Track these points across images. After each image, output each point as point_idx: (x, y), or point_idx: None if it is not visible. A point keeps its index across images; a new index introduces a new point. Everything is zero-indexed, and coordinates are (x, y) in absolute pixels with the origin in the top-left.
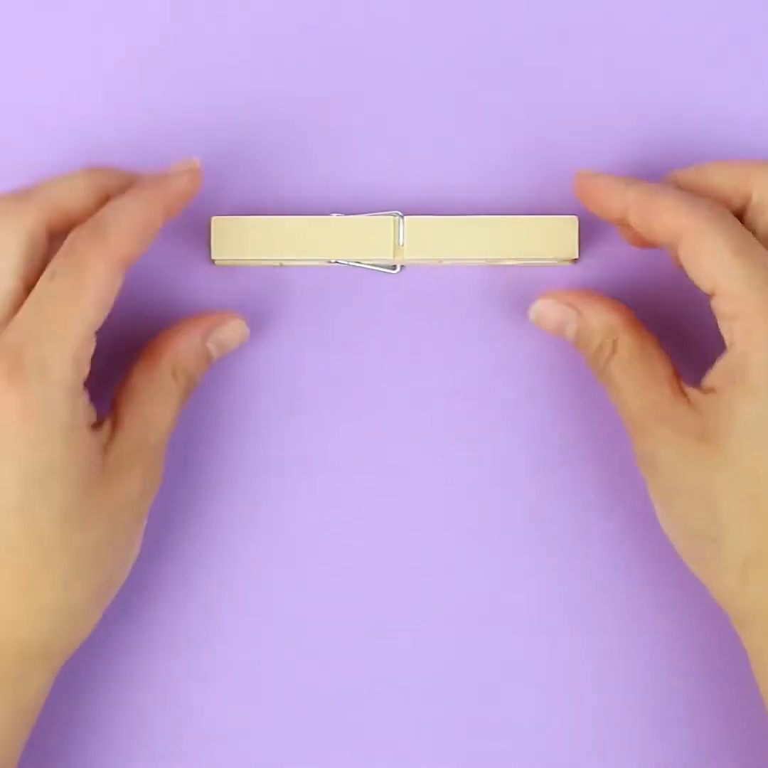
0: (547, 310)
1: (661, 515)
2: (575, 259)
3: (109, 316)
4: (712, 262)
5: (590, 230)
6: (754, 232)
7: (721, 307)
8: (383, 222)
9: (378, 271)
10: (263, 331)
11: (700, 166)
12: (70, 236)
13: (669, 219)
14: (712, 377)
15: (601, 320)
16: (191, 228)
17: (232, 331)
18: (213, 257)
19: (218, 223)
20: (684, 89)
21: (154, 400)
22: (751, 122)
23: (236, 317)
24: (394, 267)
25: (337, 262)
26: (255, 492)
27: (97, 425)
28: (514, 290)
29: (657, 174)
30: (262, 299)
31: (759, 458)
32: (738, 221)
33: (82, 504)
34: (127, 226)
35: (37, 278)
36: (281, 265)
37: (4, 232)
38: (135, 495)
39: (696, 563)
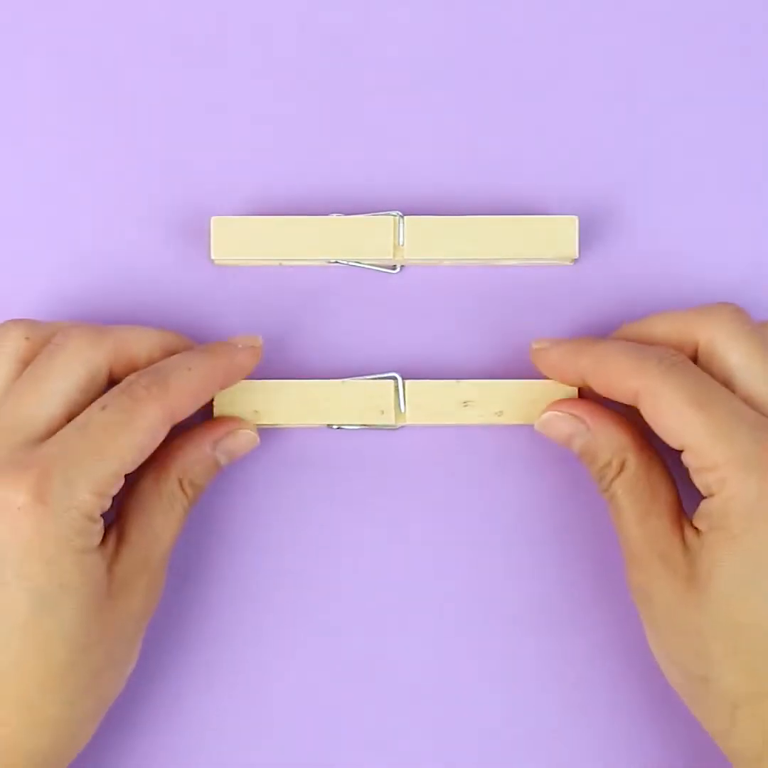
0: (555, 421)
1: (652, 645)
2: (575, 259)
3: (109, 316)
4: (673, 420)
5: (590, 230)
6: None
7: (691, 461)
8: (383, 222)
9: (378, 271)
10: (263, 332)
11: (645, 320)
12: (132, 376)
13: (623, 383)
14: (697, 518)
15: (611, 438)
16: (191, 228)
17: (243, 439)
18: (213, 257)
19: (218, 223)
20: (685, 88)
21: (162, 512)
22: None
23: (247, 426)
24: (394, 267)
25: (337, 262)
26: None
27: (103, 541)
28: (514, 290)
29: (657, 166)
30: (262, 299)
31: (741, 607)
32: (691, 366)
33: (89, 625)
34: (187, 383)
35: (81, 411)
36: (281, 265)
37: (74, 358)
38: (138, 611)
39: (687, 699)
